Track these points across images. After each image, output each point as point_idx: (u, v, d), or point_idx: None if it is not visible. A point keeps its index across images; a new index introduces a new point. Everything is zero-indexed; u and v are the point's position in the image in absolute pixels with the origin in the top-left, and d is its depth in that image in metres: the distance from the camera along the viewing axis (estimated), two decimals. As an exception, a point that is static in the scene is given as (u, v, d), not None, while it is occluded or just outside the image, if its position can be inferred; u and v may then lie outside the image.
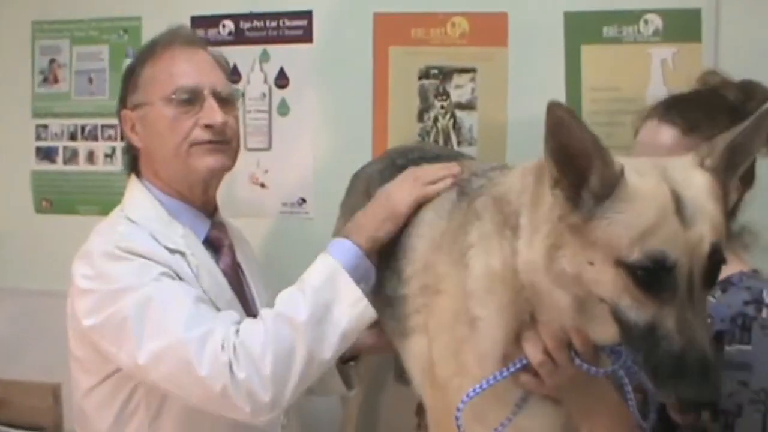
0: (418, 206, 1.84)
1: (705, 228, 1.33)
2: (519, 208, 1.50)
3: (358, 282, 1.84)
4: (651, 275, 1.31)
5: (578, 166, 1.34)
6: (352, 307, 1.82)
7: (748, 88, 1.91)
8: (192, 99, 2.02)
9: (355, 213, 1.96)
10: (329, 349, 1.80)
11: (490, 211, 1.58)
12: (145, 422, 1.96)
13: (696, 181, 1.38)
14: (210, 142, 2.03)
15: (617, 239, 1.31)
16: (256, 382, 1.73)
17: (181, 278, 1.93)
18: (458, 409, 1.56)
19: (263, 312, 1.85)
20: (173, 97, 2.01)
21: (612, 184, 1.32)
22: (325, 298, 1.81)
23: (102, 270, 1.89)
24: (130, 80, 2.13)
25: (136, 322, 1.80)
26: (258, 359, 1.74)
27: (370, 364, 2.32)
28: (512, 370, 1.54)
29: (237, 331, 1.79)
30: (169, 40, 2.11)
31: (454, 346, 1.61)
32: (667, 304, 1.31)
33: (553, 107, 1.30)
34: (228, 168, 2.11)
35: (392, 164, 2.08)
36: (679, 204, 1.32)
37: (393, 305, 1.81)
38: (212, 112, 2.01)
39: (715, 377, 1.30)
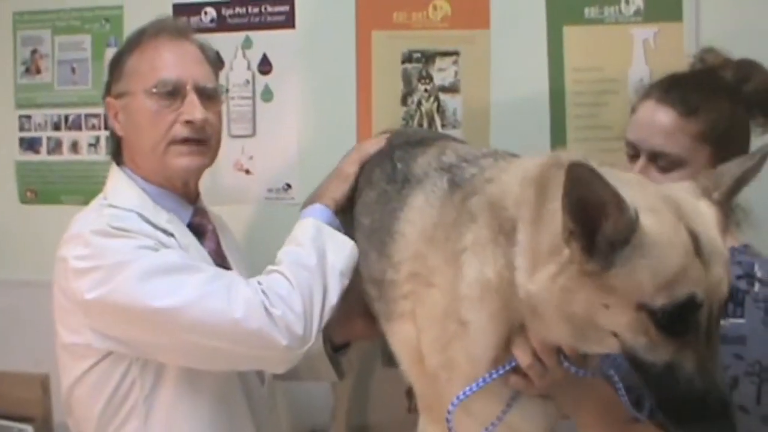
0: (401, 186, 1.85)
1: (722, 267, 1.33)
2: (516, 218, 1.48)
3: None
4: (676, 318, 1.30)
5: (592, 216, 1.30)
6: (342, 249, 1.98)
7: (746, 69, 1.91)
8: (174, 93, 2.00)
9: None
10: (334, 288, 1.93)
11: (485, 215, 1.55)
12: (139, 401, 1.95)
13: (706, 216, 1.39)
14: (188, 141, 2.01)
15: (640, 286, 1.29)
16: (290, 317, 1.82)
17: None
18: (449, 411, 1.57)
19: (272, 267, 1.94)
20: (154, 90, 1.99)
21: (629, 231, 1.29)
22: (320, 246, 1.95)
23: (98, 247, 1.86)
24: (115, 68, 2.11)
25: (149, 284, 1.80)
26: (287, 298, 1.84)
27: (360, 350, 2.32)
28: (501, 372, 1.55)
29: (258, 281, 1.87)
30: (157, 30, 2.08)
31: (443, 342, 1.61)
32: (687, 344, 1.31)
33: (574, 168, 1.25)
34: (205, 167, 2.11)
35: (378, 150, 2.09)
36: (697, 244, 1.31)
37: (381, 288, 1.81)
38: (193, 108, 2.00)
39: (733, 417, 1.32)
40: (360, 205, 2.02)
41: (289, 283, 1.86)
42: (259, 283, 1.86)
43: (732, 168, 1.47)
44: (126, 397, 1.95)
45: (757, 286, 1.72)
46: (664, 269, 1.29)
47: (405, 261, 1.72)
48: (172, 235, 1.98)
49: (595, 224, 1.30)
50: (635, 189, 1.37)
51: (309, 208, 2.07)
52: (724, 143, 1.83)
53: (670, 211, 1.34)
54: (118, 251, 1.85)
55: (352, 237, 2.00)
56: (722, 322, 1.57)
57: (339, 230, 2.03)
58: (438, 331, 1.62)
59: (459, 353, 1.58)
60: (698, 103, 1.85)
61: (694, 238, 1.32)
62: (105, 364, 1.94)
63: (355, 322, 2.06)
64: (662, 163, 1.83)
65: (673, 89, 1.89)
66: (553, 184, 1.43)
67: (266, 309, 1.80)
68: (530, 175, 1.51)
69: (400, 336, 1.74)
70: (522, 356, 1.52)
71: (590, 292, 1.33)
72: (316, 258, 1.92)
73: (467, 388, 1.55)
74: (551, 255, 1.38)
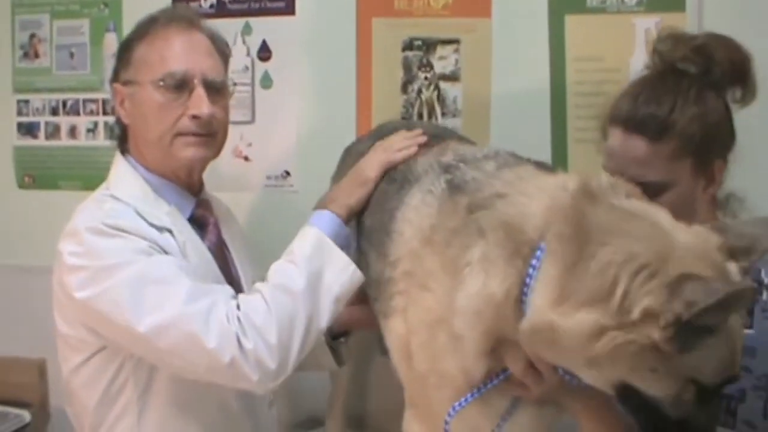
0: (400, 186, 1.83)
1: None
2: (538, 244, 1.43)
3: (341, 248, 1.91)
4: (717, 390, 1.37)
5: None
6: (341, 273, 1.89)
7: (707, 52, 1.84)
8: (181, 86, 1.98)
9: None
10: (325, 314, 1.87)
11: (497, 234, 1.49)
12: (133, 398, 1.96)
13: None
14: (194, 134, 2.00)
15: (704, 368, 1.32)
16: (263, 350, 1.77)
17: (169, 255, 1.93)
18: (446, 422, 1.56)
19: (258, 285, 1.89)
20: (162, 83, 1.98)
21: (723, 325, 1.31)
22: (316, 266, 1.87)
23: (91, 246, 1.87)
24: (124, 54, 2.09)
25: (134, 296, 1.80)
26: (263, 329, 1.78)
27: (359, 338, 2.31)
28: (495, 382, 1.54)
29: (237, 305, 1.81)
30: (168, 19, 2.06)
31: (432, 350, 1.59)
32: (706, 405, 1.36)
33: (744, 293, 1.27)
34: (210, 159, 2.10)
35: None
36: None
37: (378, 287, 1.80)
38: (199, 102, 1.98)
39: None
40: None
41: (268, 310, 1.81)
42: (239, 307, 1.81)
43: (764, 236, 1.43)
44: (120, 392, 1.96)
45: (765, 295, 1.68)
46: (730, 356, 1.33)
47: (401, 259, 1.70)
48: (169, 230, 1.98)
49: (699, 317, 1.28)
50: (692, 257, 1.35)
51: (318, 213, 1.97)
52: (704, 148, 1.79)
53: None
54: (108, 253, 1.85)
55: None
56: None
57: (347, 242, 1.96)
58: (427, 337, 1.60)
59: (451, 365, 1.55)
60: (667, 120, 1.78)
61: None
62: (99, 359, 1.95)
63: (354, 309, 2.04)
64: (647, 191, 1.62)
65: (636, 113, 1.82)
66: (595, 226, 1.39)
67: (239, 341, 1.76)
68: (559, 205, 1.45)
69: (394, 330, 1.72)
70: (516, 365, 1.50)
71: (646, 359, 1.32)
72: (305, 281, 1.84)
73: (463, 399, 1.54)
74: (594, 302, 1.33)
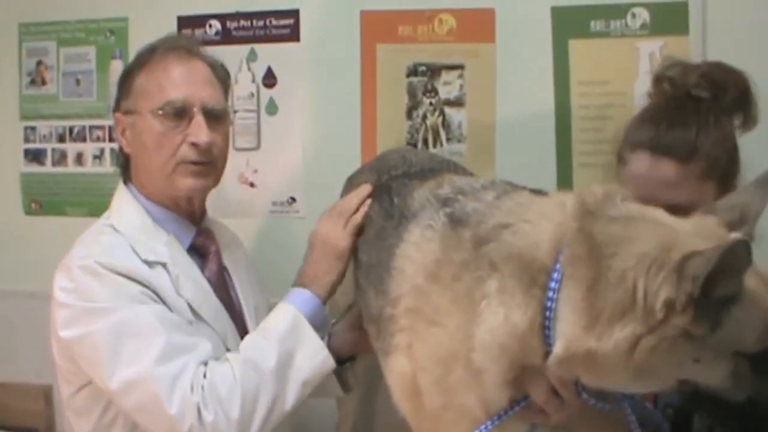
0: (398, 222, 1.81)
1: None
2: (552, 269, 1.43)
3: (316, 330, 1.93)
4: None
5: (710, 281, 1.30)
6: (313, 357, 1.91)
7: (718, 78, 1.88)
8: (180, 114, 2.00)
9: None
10: (291, 397, 1.87)
11: (510, 266, 1.48)
12: None
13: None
14: (194, 162, 2.01)
15: (742, 339, 1.32)
16: (223, 424, 1.78)
17: (159, 295, 1.93)
18: None
19: (230, 356, 1.89)
20: (161, 111, 1.99)
21: (740, 291, 1.31)
22: (289, 347, 1.89)
23: (79, 285, 1.89)
24: (124, 84, 2.11)
25: (109, 349, 1.83)
26: (226, 402, 1.79)
27: (366, 364, 2.30)
28: (516, 409, 1.53)
29: (205, 374, 1.82)
30: (167, 48, 2.08)
31: (447, 385, 1.57)
32: (765, 375, 1.35)
33: (739, 247, 1.26)
34: (209, 188, 2.12)
35: (378, 180, 2.04)
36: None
37: (378, 325, 1.78)
38: (199, 131, 1.99)
39: None
40: (359, 243, 1.99)
41: (234, 383, 1.81)
42: (205, 375, 1.81)
43: (754, 200, 1.46)
44: (111, 426, 1.96)
45: None
46: (763, 319, 1.32)
47: (403, 296, 1.67)
48: (164, 264, 1.98)
49: (709, 288, 1.28)
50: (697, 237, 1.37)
51: (297, 291, 1.98)
52: (727, 170, 1.83)
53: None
54: (96, 295, 1.87)
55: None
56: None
57: (325, 323, 2.00)
58: (441, 373, 1.58)
59: (470, 399, 1.54)
60: (695, 142, 1.81)
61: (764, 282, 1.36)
62: (88, 392, 1.97)
63: (360, 334, 2.02)
64: (676, 214, 1.62)
65: (664, 136, 1.84)
66: (603, 241, 1.39)
67: (199, 411, 1.77)
68: (564, 229, 1.46)
69: (396, 369, 1.70)
70: (539, 392, 1.50)
71: (685, 351, 1.32)
72: (275, 361, 1.85)
73: (483, 426, 1.53)
74: (624, 314, 1.33)
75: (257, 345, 1.89)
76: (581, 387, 1.48)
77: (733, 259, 1.26)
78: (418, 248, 1.68)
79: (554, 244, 1.45)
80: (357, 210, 1.98)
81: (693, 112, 1.87)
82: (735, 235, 1.39)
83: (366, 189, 2.01)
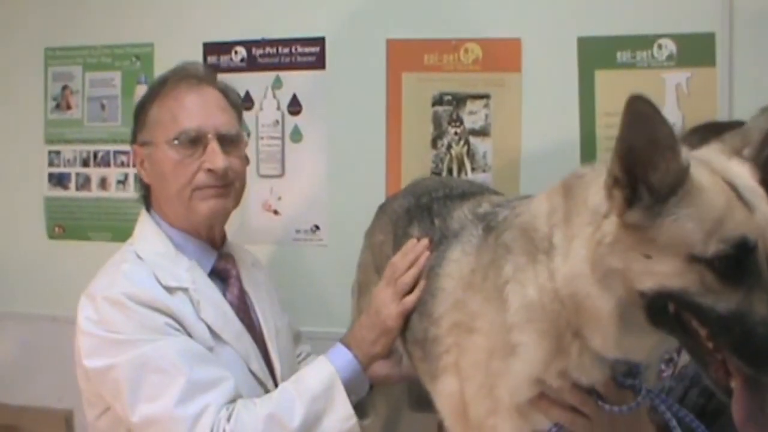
0: (438, 243, 1.86)
1: (766, 208, 1.33)
2: (551, 229, 1.50)
3: (350, 393, 1.93)
4: (732, 264, 1.28)
5: (642, 164, 1.30)
6: (341, 423, 1.90)
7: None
8: (195, 142, 2.02)
9: (382, 251, 2.09)
10: None
11: (519, 243, 1.56)
12: None
13: (738, 170, 1.39)
14: (211, 186, 2.03)
15: (688, 235, 1.29)
16: None
17: (182, 323, 1.94)
18: None
19: (259, 403, 1.89)
20: (176, 141, 2.01)
21: (679, 180, 1.30)
22: (318, 408, 1.89)
23: (105, 316, 1.90)
24: (139, 116, 2.14)
25: (132, 383, 1.84)
26: None
27: (386, 392, 2.30)
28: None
29: (229, 417, 1.83)
30: (178, 78, 2.10)
31: (489, 384, 1.60)
32: (753, 289, 1.29)
33: (636, 101, 1.25)
34: (230, 210, 2.13)
35: (417, 202, 2.06)
36: (737, 192, 1.32)
37: (424, 347, 1.80)
38: (214, 157, 2.01)
39: None
40: None
41: None
42: (229, 420, 1.82)
43: (759, 123, 1.46)
44: None
45: None
46: (710, 214, 1.29)
47: (446, 314, 1.72)
48: (185, 289, 2.00)
49: (642, 173, 1.31)
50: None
51: (340, 350, 2.00)
52: None
53: (703, 165, 1.35)
54: (120, 328, 1.88)
55: None
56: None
57: (361, 388, 2.00)
58: (483, 375, 1.61)
59: (502, 389, 1.58)
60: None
61: (732, 187, 1.32)
62: (110, 416, 1.97)
63: (377, 363, 2.03)
64: None
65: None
66: (576, 184, 1.50)
67: None
68: (552, 190, 1.57)
69: (445, 391, 1.72)
70: (562, 414, 1.55)
71: (629, 244, 1.34)
72: (301, 420, 1.85)
73: None
74: (585, 227, 1.41)
75: (288, 400, 1.89)
76: (599, 398, 1.52)
77: (633, 116, 1.26)
78: (458, 264, 1.74)
79: (548, 211, 1.53)
80: (410, 282, 1.92)
81: None
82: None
83: (422, 244, 1.93)
